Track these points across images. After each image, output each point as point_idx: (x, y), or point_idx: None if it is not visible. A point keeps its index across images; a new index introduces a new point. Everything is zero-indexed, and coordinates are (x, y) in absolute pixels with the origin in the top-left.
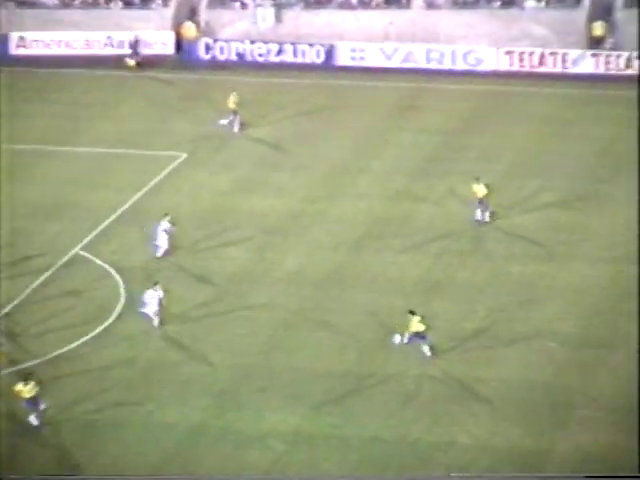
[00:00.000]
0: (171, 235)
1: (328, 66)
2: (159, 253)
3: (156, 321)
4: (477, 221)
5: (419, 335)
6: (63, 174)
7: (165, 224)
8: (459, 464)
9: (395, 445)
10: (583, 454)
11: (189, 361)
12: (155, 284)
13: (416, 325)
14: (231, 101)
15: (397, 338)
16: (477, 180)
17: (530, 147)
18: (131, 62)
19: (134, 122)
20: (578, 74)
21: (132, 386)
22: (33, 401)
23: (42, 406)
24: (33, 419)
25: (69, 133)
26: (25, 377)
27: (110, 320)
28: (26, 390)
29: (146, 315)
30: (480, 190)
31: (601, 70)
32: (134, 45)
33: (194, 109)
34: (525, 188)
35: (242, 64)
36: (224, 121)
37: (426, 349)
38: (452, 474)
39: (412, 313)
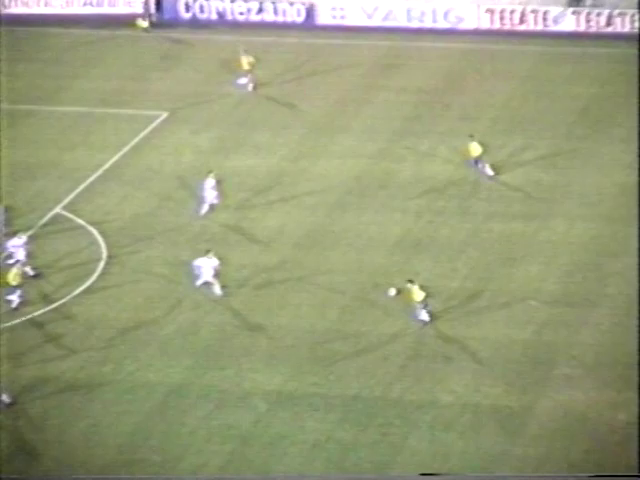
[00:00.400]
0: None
1: (308, 25)
2: (204, 210)
3: (217, 288)
4: (489, 177)
5: (421, 303)
6: (43, 133)
7: (211, 181)
8: (441, 422)
9: (377, 404)
10: (564, 412)
11: (170, 320)
12: (207, 252)
13: (417, 294)
14: (244, 62)
15: (392, 291)
16: (471, 138)
17: (511, 105)
18: (144, 23)
19: (114, 81)
20: (559, 32)
21: (113, 346)
22: None
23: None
24: (5, 398)
25: (49, 92)
26: None
27: (92, 279)
28: None
29: (203, 285)
30: (475, 149)
31: (582, 28)
32: (146, 5)
33: (175, 68)
34: (506, 146)
35: (222, 23)
36: (241, 81)
37: (424, 315)
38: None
39: (411, 282)
